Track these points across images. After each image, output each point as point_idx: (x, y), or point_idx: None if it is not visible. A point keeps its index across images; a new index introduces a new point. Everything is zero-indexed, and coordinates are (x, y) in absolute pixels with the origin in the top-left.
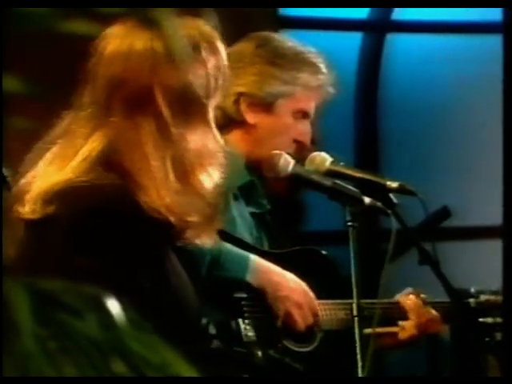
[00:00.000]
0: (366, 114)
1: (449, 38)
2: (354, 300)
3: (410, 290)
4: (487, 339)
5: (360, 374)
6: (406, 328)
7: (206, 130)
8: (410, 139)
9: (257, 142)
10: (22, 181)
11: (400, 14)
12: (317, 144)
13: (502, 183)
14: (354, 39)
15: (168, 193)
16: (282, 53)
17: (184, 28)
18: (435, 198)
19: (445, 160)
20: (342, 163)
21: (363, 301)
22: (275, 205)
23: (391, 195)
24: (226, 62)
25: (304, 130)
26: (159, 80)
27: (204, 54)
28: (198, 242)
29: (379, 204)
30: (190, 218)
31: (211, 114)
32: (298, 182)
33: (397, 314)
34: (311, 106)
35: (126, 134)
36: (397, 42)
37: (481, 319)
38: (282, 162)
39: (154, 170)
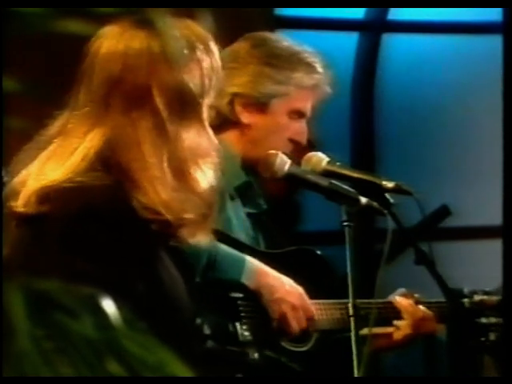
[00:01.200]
0: (362, 114)
1: (446, 38)
2: (350, 300)
3: (403, 290)
4: (483, 339)
5: (356, 374)
6: (401, 328)
7: (200, 129)
8: (406, 139)
9: (252, 142)
10: (16, 179)
11: (397, 14)
12: (314, 144)
13: (501, 183)
14: (351, 39)
15: (165, 190)
16: (277, 53)
17: (179, 28)
18: (432, 198)
19: (442, 160)
20: (338, 163)
21: (359, 301)
22: (271, 205)
23: (387, 195)
24: (219, 63)
25: (300, 129)
26: (156, 78)
27: (199, 54)
28: (192, 240)
29: (375, 204)
30: (186, 215)
31: (205, 114)
32: (295, 182)
33: (391, 313)
34: (307, 106)
35: (124, 132)
36: (393, 42)
37: (475, 319)
38: (278, 162)
39: (151, 168)
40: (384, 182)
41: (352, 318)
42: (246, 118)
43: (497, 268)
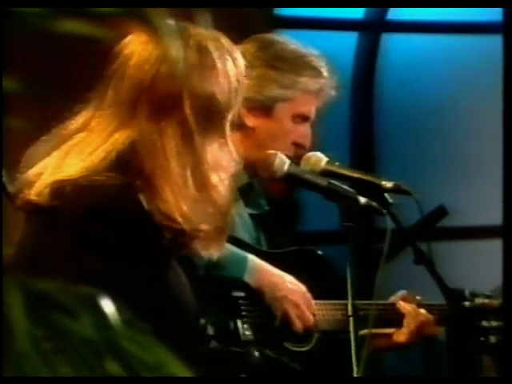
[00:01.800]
0: (361, 114)
1: (445, 38)
2: (349, 300)
3: (404, 292)
4: (482, 339)
5: (355, 375)
6: (403, 330)
7: (223, 142)
8: (405, 139)
9: (256, 145)
10: (32, 170)
11: (396, 13)
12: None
13: (501, 183)
14: (350, 39)
15: (185, 200)
16: (283, 56)
17: (208, 39)
18: (432, 198)
19: (441, 160)
20: (337, 163)
21: (359, 302)
22: (272, 205)
23: (386, 195)
24: (244, 76)
25: (304, 133)
26: (188, 88)
27: (229, 66)
28: (205, 253)
29: (374, 204)
30: (202, 227)
31: (228, 127)
32: (294, 181)
33: (392, 315)
34: (311, 110)
35: (149, 138)
36: (393, 42)
37: (476, 322)
38: (277, 162)
39: (174, 176)
40: (383, 182)
41: (351, 318)
42: (250, 121)
43: (497, 268)
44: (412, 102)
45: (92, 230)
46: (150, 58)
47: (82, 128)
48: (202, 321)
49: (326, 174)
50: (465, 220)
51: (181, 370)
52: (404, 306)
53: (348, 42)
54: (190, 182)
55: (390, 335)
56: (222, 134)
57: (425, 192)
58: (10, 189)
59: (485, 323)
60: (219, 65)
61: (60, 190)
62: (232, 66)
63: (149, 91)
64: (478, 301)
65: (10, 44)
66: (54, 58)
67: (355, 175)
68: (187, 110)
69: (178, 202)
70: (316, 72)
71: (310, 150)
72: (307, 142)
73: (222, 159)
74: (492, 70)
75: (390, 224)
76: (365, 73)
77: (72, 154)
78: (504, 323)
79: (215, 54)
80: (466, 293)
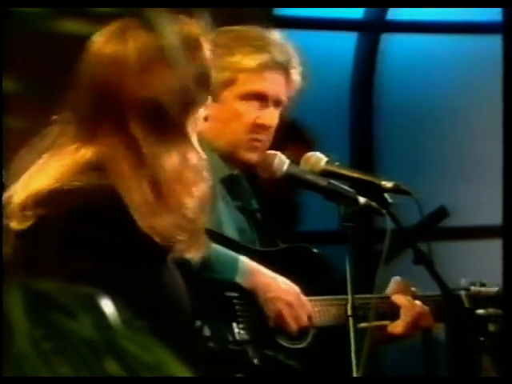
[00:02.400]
0: (361, 114)
1: (445, 39)
2: (349, 300)
3: (398, 278)
4: (482, 338)
5: (355, 374)
6: (399, 323)
7: (185, 146)
8: (405, 139)
9: (217, 133)
10: (6, 194)
11: (396, 13)
12: (312, 142)
13: (501, 183)
14: (350, 39)
15: (148, 214)
16: (222, 42)
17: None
18: (432, 198)
19: (441, 160)
20: (336, 163)
21: (356, 296)
22: (269, 204)
23: (386, 195)
24: (211, 73)
25: (261, 113)
26: (129, 95)
27: (179, 61)
28: (188, 255)
29: (374, 204)
30: (175, 237)
31: (191, 127)
32: (293, 181)
33: (388, 308)
34: (262, 88)
35: (106, 152)
36: (392, 42)
37: (473, 312)
38: (276, 162)
39: (131, 191)
40: (383, 182)
41: (350, 319)
42: (202, 111)
43: (497, 268)
44: (411, 102)
45: (83, 232)
46: (94, 57)
47: (51, 146)
48: (199, 322)
49: (325, 174)
50: (464, 220)
51: (180, 370)
52: (399, 298)
53: (347, 42)
54: (150, 196)
55: (386, 327)
56: (182, 137)
57: (424, 192)
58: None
59: (482, 311)
60: (163, 63)
61: (42, 200)
62: (185, 60)
63: (97, 96)
64: (475, 289)
65: (10, 44)
66: (53, 58)
67: (355, 175)
68: (130, 119)
69: (141, 218)
70: (253, 49)
71: (308, 148)
72: (269, 122)
73: (189, 163)
74: (492, 70)
75: (389, 224)
76: (364, 73)
77: (43, 170)
78: (504, 324)
79: (158, 52)
80: (463, 282)
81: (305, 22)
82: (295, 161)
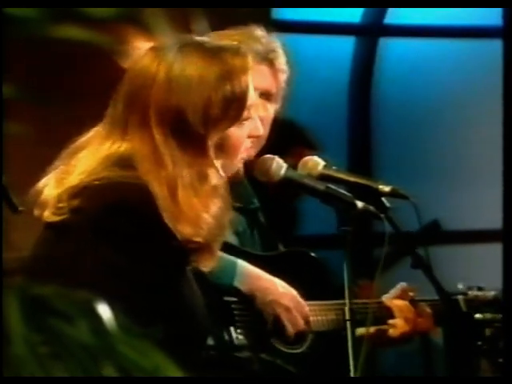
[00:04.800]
0: (359, 119)
1: (444, 43)
2: (347, 304)
3: (403, 284)
4: (479, 343)
5: (352, 375)
6: (397, 326)
7: (205, 162)
8: (403, 143)
9: None
10: (39, 185)
11: (394, 18)
12: (315, 147)
13: (501, 187)
14: (348, 43)
15: (167, 214)
16: None
17: (188, 45)
18: (431, 202)
19: (440, 164)
20: (334, 167)
21: (354, 300)
22: (268, 208)
23: (384, 199)
24: (246, 98)
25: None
26: (154, 100)
27: (211, 76)
28: (203, 266)
29: (372, 208)
30: (194, 239)
31: (211, 147)
32: (291, 186)
33: (386, 312)
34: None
35: (134, 148)
36: (390, 47)
37: (471, 316)
38: (274, 166)
39: (154, 187)
40: (380, 186)
41: (348, 323)
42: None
43: (496, 272)
44: (410, 106)
45: (116, 227)
46: (129, 71)
47: (85, 146)
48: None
49: (323, 178)
50: (464, 224)
51: (177, 375)
52: (393, 302)
53: (346, 46)
54: (169, 200)
55: (383, 331)
56: (202, 150)
57: (423, 196)
58: (15, 200)
59: (479, 316)
60: (192, 74)
61: (77, 194)
62: (215, 75)
63: (128, 105)
64: (472, 293)
65: (10, 48)
66: (53, 62)
67: (352, 179)
68: (153, 122)
69: (168, 217)
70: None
71: (309, 152)
72: (261, 113)
73: (205, 179)
74: (491, 74)
75: (387, 228)
76: (362, 77)
77: (77, 166)
78: (505, 326)
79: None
80: (460, 286)
81: (303, 26)
82: (293, 165)
